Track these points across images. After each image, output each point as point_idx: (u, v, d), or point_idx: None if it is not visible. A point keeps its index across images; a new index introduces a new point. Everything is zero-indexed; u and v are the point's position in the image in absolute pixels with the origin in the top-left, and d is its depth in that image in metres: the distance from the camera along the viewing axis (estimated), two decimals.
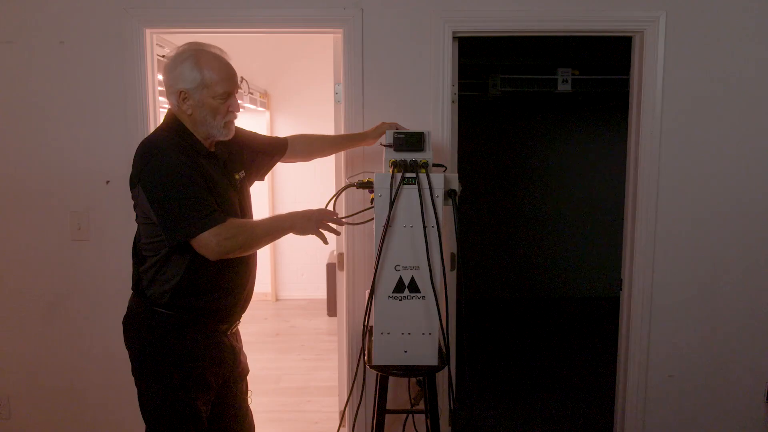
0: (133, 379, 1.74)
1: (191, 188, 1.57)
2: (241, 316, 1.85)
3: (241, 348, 1.89)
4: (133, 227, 2.30)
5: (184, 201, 1.56)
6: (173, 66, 1.67)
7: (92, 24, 2.26)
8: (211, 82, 1.65)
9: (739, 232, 2.40)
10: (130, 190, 1.66)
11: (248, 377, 1.96)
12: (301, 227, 1.77)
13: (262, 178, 2.02)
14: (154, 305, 1.66)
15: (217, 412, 1.81)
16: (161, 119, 2.41)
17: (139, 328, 1.69)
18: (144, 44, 2.26)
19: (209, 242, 1.56)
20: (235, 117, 1.74)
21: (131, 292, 1.75)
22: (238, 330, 1.89)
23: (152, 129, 2.31)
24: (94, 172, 2.32)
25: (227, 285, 1.73)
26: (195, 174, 1.59)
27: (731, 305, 2.44)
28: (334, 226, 1.84)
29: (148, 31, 2.28)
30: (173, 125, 1.69)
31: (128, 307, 1.75)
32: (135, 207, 1.69)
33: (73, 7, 2.25)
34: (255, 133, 2.00)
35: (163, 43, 2.59)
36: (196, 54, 1.66)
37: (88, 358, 2.41)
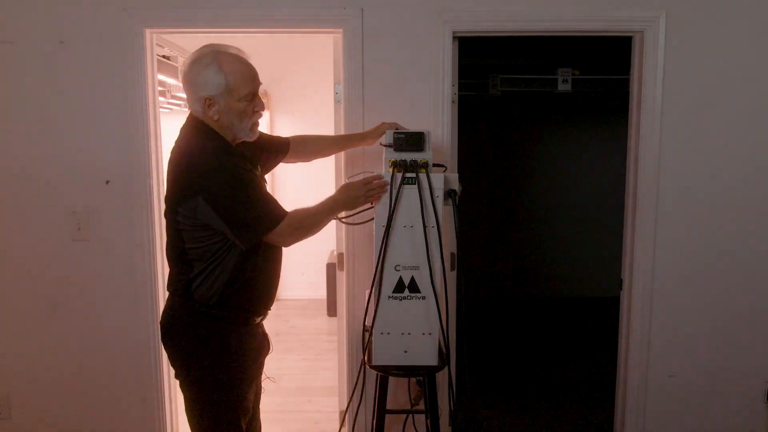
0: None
1: (254, 188, 1.65)
2: (271, 307, 1.88)
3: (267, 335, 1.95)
4: (133, 227, 2.32)
5: (253, 202, 1.63)
6: (195, 72, 1.65)
7: (92, 24, 2.26)
8: (236, 85, 1.65)
9: (740, 232, 2.40)
10: (180, 203, 1.63)
11: None
12: (352, 203, 1.86)
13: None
14: (203, 307, 1.67)
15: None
16: (161, 119, 2.42)
17: (189, 329, 1.70)
18: (144, 44, 2.26)
19: (284, 233, 1.66)
20: (260, 116, 1.75)
21: (168, 294, 1.76)
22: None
23: (152, 129, 2.31)
24: (94, 172, 2.32)
25: (266, 281, 1.78)
26: (251, 174, 1.67)
27: (731, 305, 2.44)
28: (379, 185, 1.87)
29: (148, 31, 2.28)
30: (206, 131, 1.68)
31: (170, 310, 1.74)
32: (175, 215, 1.65)
33: (73, 7, 2.25)
34: (261, 132, 2.00)
35: (163, 43, 2.59)
36: (217, 57, 1.65)
37: (88, 357, 2.41)
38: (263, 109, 1.75)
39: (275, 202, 1.69)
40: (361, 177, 2.05)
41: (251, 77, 1.69)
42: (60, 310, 2.39)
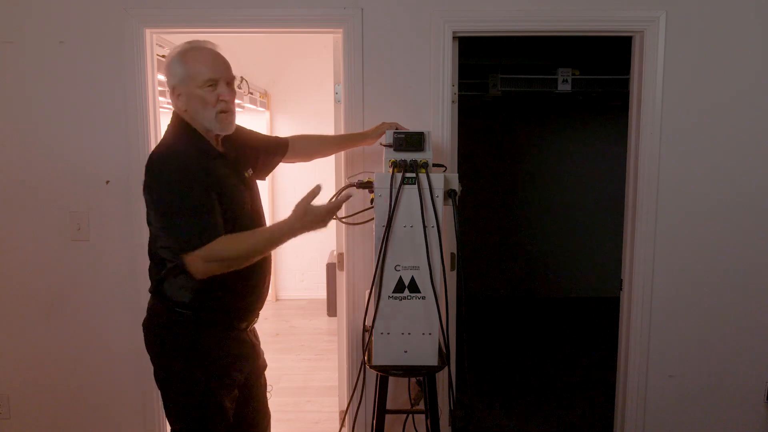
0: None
1: (190, 202, 1.56)
2: (258, 313, 1.86)
3: (259, 344, 1.91)
4: (133, 227, 2.32)
5: (183, 215, 1.56)
6: (165, 65, 1.70)
7: (92, 24, 2.26)
8: (195, 72, 1.64)
9: (740, 232, 2.40)
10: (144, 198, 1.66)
11: None
12: (307, 230, 1.66)
13: (263, 178, 2.02)
14: (177, 306, 1.66)
15: (241, 409, 1.82)
16: (161, 119, 2.43)
17: (162, 330, 1.70)
18: (144, 44, 2.26)
19: (194, 265, 1.56)
20: (230, 108, 1.69)
21: (149, 294, 1.75)
22: (254, 327, 1.90)
23: (152, 129, 2.31)
24: (94, 173, 2.32)
25: (246, 283, 1.74)
26: (197, 187, 1.57)
27: (731, 305, 2.44)
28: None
29: (148, 31, 2.28)
30: (181, 128, 1.69)
31: (148, 309, 1.74)
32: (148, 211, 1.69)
33: (72, 7, 2.25)
34: (257, 132, 2.00)
35: (163, 43, 2.59)
36: (184, 49, 1.68)
37: (88, 358, 2.41)
38: (230, 99, 1.69)
39: (209, 230, 1.55)
40: (361, 176, 2.05)
41: (211, 64, 1.66)
42: (60, 310, 2.39)
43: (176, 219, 1.57)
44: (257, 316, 1.86)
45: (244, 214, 1.71)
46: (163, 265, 1.67)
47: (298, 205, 1.65)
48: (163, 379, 1.71)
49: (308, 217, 1.64)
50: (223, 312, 1.71)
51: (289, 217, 1.65)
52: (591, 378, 3.60)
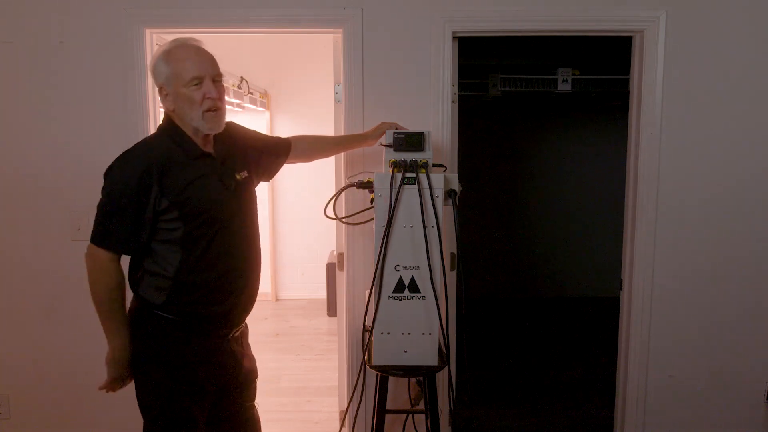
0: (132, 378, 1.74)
1: (114, 205, 1.61)
2: (242, 320, 1.81)
3: (245, 353, 1.86)
4: None
5: (102, 212, 1.62)
6: (151, 65, 1.70)
7: (92, 24, 2.26)
8: (180, 70, 1.62)
9: (740, 232, 2.40)
10: None
11: None
12: (110, 359, 1.72)
13: (268, 179, 2.01)
14: (152, 308, 1.65)
15: (214, 418, 1.78)
16: (161, 119, 2.42)
17: (138, 328, 1.68)
18: (144, 44, 2.27)
19: (89, 255, 1.62)
20: (217, 106, 1.65)
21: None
22: (243, 334, 1.86)
23: (152, 129, 2.31)
24: (94, 172, 2.30)
25: (223, 288, 1.70)
26: (132, 198, 1.58)
27: (731, 305, 2.44)
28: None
29: (148, 31, 2.28)
30: (165, 127, 1.70)
31: (129, 307, 1.73)
32: None
33: (73, 7, 2.25)
34: (258, 133, 1.98)
35: (163, 43, 2.59)
36: (168, 48, 1.66)
37: (88, 357, 2.40)
38: (217, 97, 1.65)
39: (115, 235, 1.60)
40: (361, 176, 2.04)
41: (196, 62, 1.63)
42: (60, 309, 2.39)
43: (99, 210, 1.63)
44: (241, 323, 1.81)
45: (225, 215, 1.69)
46: (140, 264, 1.67)
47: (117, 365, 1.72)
48: (136, 375, 1.71)
49: (115, 363, 1.72)
50: (196, 316, 1.67)
51: (115, 346, 1.70)
52: (591, 378, 3.60)
